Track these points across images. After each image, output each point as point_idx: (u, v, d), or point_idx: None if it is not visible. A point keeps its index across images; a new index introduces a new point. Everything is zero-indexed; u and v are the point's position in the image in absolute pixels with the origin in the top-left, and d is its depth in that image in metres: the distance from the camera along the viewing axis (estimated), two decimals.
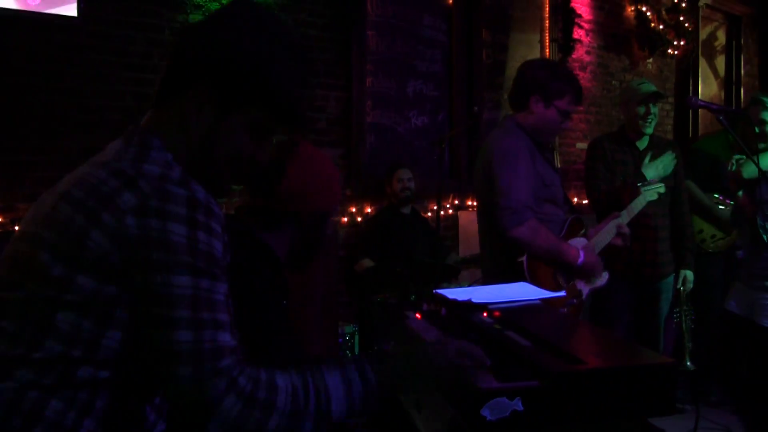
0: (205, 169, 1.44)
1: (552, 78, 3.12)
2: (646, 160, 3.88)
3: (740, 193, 3.52)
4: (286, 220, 1.90)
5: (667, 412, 1.54)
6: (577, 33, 7.22)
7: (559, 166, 7.15)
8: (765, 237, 3.39)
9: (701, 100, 3.18)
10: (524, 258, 2.94)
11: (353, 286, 5.17)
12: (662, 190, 3.58)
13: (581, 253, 3.01)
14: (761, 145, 4.11)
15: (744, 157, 3.70)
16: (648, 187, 3.53)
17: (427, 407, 1.93)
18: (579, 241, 3.15)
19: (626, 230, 3.28)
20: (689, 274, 4.18)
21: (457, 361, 1.66)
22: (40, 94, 4.08)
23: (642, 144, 4.04)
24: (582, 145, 7.42)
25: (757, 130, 4.06)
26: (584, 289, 3.13)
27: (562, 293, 2.42)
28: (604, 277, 3.19)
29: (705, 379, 4.64)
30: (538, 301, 2.35)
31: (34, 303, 1.26)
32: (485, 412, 1.48)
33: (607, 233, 3.24)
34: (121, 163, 1.33)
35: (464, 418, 1.60)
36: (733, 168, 3.80)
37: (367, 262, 5.00)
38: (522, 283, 2.69)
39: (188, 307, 1.25)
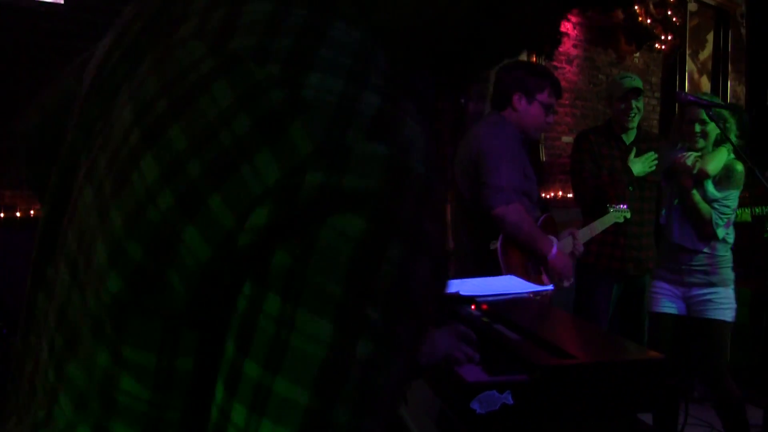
0: None
1: (529, 74, 3.19)
2: (632, 154, 3.89)
3: (695, 192, 3.54)
4: None
5: (656, 407, 1.55)
6: (564, 26, 7.21)
7: (544, 159, 7.16)
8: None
9: (690, 95, 3.18)
10: (498, 243, 2.95)
11: None
12: (628, 215, 3.66)
13: (554, 247, 3.03)
14: (701, 143, 4.01)
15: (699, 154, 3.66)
16: (616, 209, 3.61)
17: (413, 400, 1.93)
18: (551, 240, 3.18)
19: (579, 250, 3.28)
20: None
21: (453, 350, 1.68)
22: (27, 82, 4.03)
23: (629, 138, 4.05)
24: (568, 139, 7.43)
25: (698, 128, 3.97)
26: (548, 285, 3.15)
27: (550, 287, 2.42)
28: (570, 280, 3.20)
29: (687, 375, 4.67)
30: (526, 295, 2.35)
31: None
32: (475, 405, 1.48)
33: (565, 246, 3.26)
34: None
35: (453, 411, 1.60)
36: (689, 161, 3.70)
37: None
38: (509, 276, 2.69)
39: None
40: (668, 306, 3.64)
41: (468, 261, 3.12)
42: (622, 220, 3.57)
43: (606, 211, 3.67)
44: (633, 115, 3.95)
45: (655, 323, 3.73)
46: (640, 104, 3.98)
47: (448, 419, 1.62)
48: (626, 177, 3.78)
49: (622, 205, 3.61)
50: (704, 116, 3.46)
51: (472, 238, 3.10)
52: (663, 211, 3.77)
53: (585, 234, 3.40)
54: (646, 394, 1.56)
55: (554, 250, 3.02)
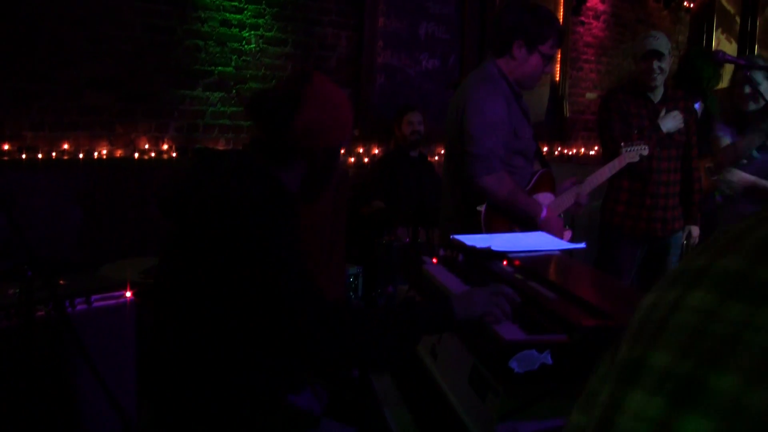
0: None
1: (535, 22, 2.96)
2: (662, 112, 3.79)
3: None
4: (299, 156, 1.82)
5: None
6: None
7: (567, 115, 7.04)
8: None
9: (728, 55, 3.07)
10: (483, 208, 2.86)
11: (358, 228, 5.12)
12: (645, 152, 3.48)
13: (544, 210, 2.93)
14: (752, 106, 4.01)
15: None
16: (630, 148, 3.43)
17: (444, 355, 1.89)
18: (545, 197, 3.08)
19: (584, 201, 3.18)
20: (695, 230, 4.13)
21: (492, 306, 1.65)
22: (48, 23, 3.95)
23: (656, 96, 3.94)
24: (591, 95, 7.30)
25: (747, 90, 3.95)
26: (581, 243, 3.06)
27: (582, 245, 2.35)
28: (566, 237, 3.10)
29: None
30: (557, 252, 2.29)
31: None
32: (513, 365, 1.44)
33: (565, 199, 3.15)
34: None
35: (488, 369, 1.55)
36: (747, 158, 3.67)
37: (378, 204, 4.94)
38: (540, 232, 2.63)
39: None
40: None
41: (455, 221, 3.03)
42: (637, 158, 3.43)
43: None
44: (655, 75, 3.84)
45: None
46: (664, 65, 3.85)
47: (481, 377, 1.57)
48: (655, 135, 3.68)
49: (636, 144, 3.43)
50: (756, 77, 3.38)
51: (461, 199, 3.01)
52: (717, 194, 3.70)
53: (592, 181, 3.27)
54: None
55: (544, 213, 2.92)
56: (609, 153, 3.81)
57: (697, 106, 3.74)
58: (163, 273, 1.80)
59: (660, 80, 3.87)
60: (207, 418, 1.68)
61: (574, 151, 7.23)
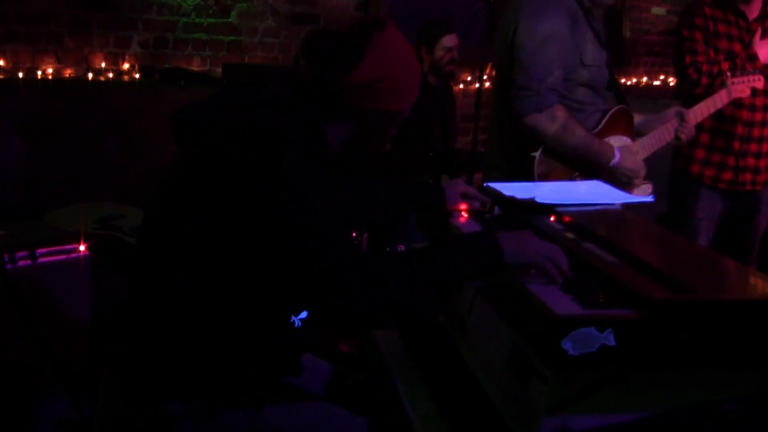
0: None
1: None
2: (758, 34, 3.71)
3: None
4: (349, 114, 1.83)
5: None
6: None
7: (627, 35, 6.96)
8: None
9: None
10: (539, 153, 2.82)
11: (363, 176, 5.08)
12: (760, 84, 3.41)
13: (617, 154, 2.88)
14: None
15: None
16: (738, 79, 3.36)
17: (474, 330, 1.88)
18: (618, 140, 3.02)
19: (688, 132, 3.13)
20: None
21: (544, 259, 1.66)
22: None
23: (751, 10, 3.85)
24: (659, 11, 7.21)
25: None
26: (648, 196, 3.02)
27: (650, 198, 2.32)
28: (645, 190, 3.06)
29: None
30: (618, 207, 2.27)
31: None
32: (567, 345, 1.43)
33: (659, 136, 3.10)
34: None
35: (533, 350, 1.55)
36: None
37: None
38: (597, 181, 2.60)
39: None
40: None
41: (501, 169, 3.01)
42: (748, 92, 3.36)
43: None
44: None
45: None
46: None
47: (524, 359, 1.56)
48: (751, 64, 3.61)
49: (746, 73, 3.35)
50: None
51: (507, 141, 2.98)
52: None
53: (698, 112, 3.23)
54: None
55: (616, 159, 2.87)
56: (688, 83, 3.73)
57: None
58: (152, 225, 1.80)
59: None
60: (186, 395, 1.71)
61: (635, 80, 7.16)
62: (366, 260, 1.61)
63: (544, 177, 2.81)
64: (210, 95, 1.83)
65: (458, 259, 1.66)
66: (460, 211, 2.24)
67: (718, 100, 3.34)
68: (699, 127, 3.77)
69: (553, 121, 2.76)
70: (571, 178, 2.84)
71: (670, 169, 4.05)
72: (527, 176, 2.82)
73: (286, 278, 1.61)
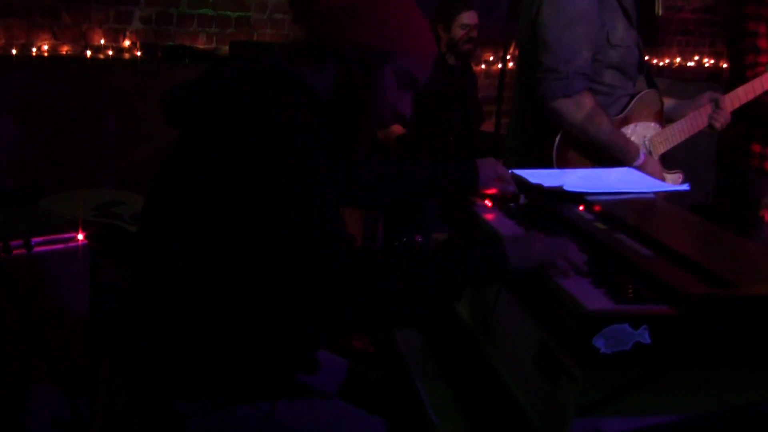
0: None
1: None
2: None
3: None
4: (326, 52, 1.76)
5: None
6: None
7: (659, 12, 6.91)
8: None
9: None
10: (557, 139, 2.80)
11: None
12: None
13: (642, 156, 2.83)
14: None
15: None
16: None
17: (499, 325, 1.88)
18: (646, 126, 2.98)
19: (724, 120, 3.09)
20: None
21: (555, 256, 1.66)
22: None
23: None
24: None
25: None
26: (684, 184, 3.00)
27: (686, 186, 2.31)
28: (675, 179, 3.02)
29: None
30: (652, 195, 2.27)
31: None
32: (599, 342, 1.42)
33: (693, 121, 3.07)
34: None
35: (562, 347, 1.54)
36: None
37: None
38: (629, 169, 2.60)
39: None
40: None
41: (520, 153, 3.00)
42: None
43: None
44: None
45: None
46: None
47: (553, 357, 1.56)
48: None
49: None
50: None
51: (529, 125, 2.96)
52: None
53: (733, 98, 3.17)
54: None
55: (642, 159, 2.83)
56: (741, 65, 3.68)
57: None
58: (153, 212, 1.80)
59: None
60: (195, 391, 1.72)
61: (667, 61, 7.13)
62: (362, 259, 1.60)
63: (563, 164, 2.79)
64: (200, 73, 1.80)
65: (460, 266, 1.64)
66: (485, 198, 2.23)
67: (758, 85, 3.29)
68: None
69: (579, 108, 2.73)
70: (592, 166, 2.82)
71: (717, 164, 4.01)
72: (545, 163, 2.80)
73: (274, 270, 1.59)
